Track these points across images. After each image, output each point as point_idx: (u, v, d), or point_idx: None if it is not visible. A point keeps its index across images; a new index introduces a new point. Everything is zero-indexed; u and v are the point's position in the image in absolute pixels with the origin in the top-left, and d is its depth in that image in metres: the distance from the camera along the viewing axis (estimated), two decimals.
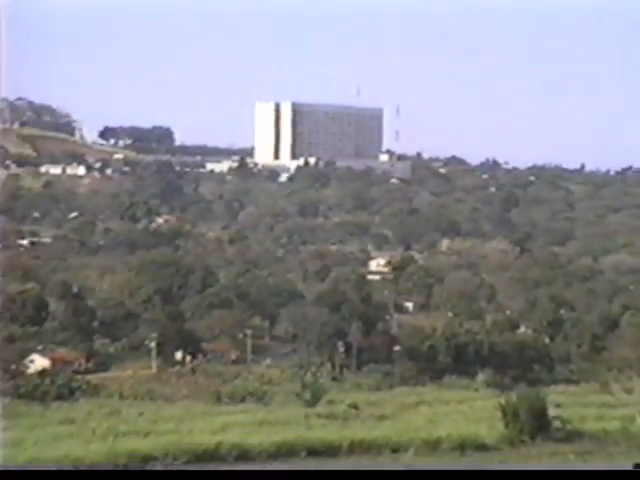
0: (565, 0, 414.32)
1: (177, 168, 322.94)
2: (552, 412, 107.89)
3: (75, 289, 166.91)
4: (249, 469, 12.59)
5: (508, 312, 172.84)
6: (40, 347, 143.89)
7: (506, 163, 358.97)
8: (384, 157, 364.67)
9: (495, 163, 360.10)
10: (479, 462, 76.13)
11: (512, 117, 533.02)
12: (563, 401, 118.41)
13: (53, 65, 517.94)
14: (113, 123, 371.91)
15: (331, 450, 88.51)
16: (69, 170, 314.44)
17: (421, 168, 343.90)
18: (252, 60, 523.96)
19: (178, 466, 12.54)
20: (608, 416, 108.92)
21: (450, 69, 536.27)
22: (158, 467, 12.68)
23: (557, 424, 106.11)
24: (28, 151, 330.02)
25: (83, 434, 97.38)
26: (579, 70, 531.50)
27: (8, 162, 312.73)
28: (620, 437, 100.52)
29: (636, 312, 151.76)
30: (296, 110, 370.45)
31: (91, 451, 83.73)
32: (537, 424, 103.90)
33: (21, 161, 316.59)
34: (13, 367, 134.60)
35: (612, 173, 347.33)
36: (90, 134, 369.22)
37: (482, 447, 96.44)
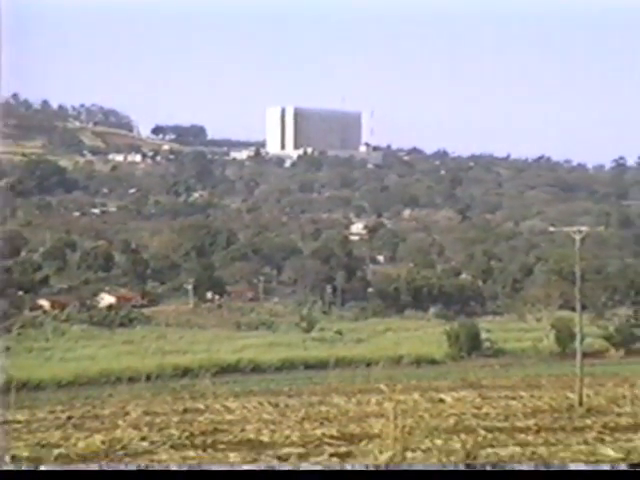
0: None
1: (209, 156, 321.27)
2: (483, 335, 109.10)
3: (133, 246, 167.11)
4: (251, 469, 12.32)
5: (453, 263, 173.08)
6: (107, 288, 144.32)
7: (453, 152, 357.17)
8: (363, 148, 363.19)
9: (445, 152, 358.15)
10: (431, 372, 76.59)
11: (457, 117, 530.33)
12: (491, 327, 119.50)
13: (115, 72, 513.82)
14: (161, 122, 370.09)
15: (322, 364, 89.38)
16: (129, 158, 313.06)
17: (390, 157, 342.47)
18: (262, 70, 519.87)
19: (180, 466, 12.32)
20: (524, 338, 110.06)
21: (409, 77, 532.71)
22: (159, 467, 12.33)
23: (487, 344, 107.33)
24: (99, 144, 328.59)
25: (139, 352, 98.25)
26: (507, 72, 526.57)
27: (85, 152, 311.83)
28: (532, 353, 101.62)
29: (545, 262, 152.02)
30: (297, 113, 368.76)
31: (145, 365, 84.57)
32: (472, 344, 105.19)
33: (94, 151, 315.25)
34: (88, 302, 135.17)
35: (530, 160, 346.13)
36: (144, 131, 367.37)
37: (432, 361, 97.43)
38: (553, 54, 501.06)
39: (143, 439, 14.92)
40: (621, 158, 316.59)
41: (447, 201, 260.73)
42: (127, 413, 17.36)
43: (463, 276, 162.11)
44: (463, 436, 14.82)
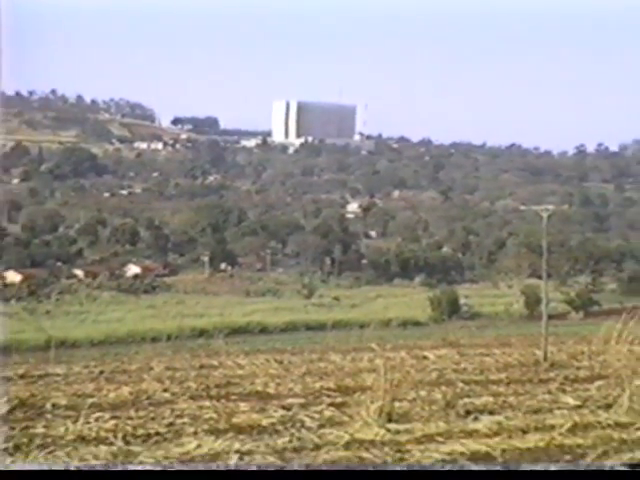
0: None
1: (222, 144, 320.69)
2: (462, 301, 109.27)
3: (156, 223, 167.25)
4: (250, 469, 11.64)
5: (436, 238, 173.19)
6: (134, 259, 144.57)
7: (436, 141, 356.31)
8: (357, 137, 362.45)
9: (429, 140, 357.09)
10: (416, 333, 76.71)
11: (440, 109, 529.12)
12: (469, 294, 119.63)
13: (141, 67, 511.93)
14: (180, 114, 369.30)
15: (321, 327, 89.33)
16: (152, 146, 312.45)
17: (381, 144, 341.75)
18: (269, 68, 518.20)
19: (181, 466, 11.74)
20: (497, 303, 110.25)
21: (398, 74, 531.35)
22: (161, 467, 11.65)
23: (465, 309, 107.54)
24: (126, 133, 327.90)
25: (161, 315, 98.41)
26: (483, 68, 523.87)
27: (113, 140, 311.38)
28: (503, 316, 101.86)
29: (516, 237, 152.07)
30: (299, 106, 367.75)
31: (166, 326, 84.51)
32: (452, 309, 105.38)
33: (121, 140, 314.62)
34: (117, 272, 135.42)
35: (503, 148, 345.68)
36: (165, 122, 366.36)
37: (417, 324, 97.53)
38: (524, 52, 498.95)
39: (165, 390, 15.03)
40: (582, 145, 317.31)
41: (431, 183, 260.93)
42: (151, 368, 17.52)
43: (445, 249, 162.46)
44: (444, 388, 14.92)
